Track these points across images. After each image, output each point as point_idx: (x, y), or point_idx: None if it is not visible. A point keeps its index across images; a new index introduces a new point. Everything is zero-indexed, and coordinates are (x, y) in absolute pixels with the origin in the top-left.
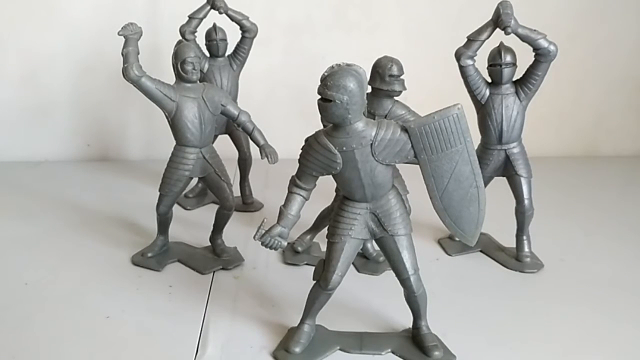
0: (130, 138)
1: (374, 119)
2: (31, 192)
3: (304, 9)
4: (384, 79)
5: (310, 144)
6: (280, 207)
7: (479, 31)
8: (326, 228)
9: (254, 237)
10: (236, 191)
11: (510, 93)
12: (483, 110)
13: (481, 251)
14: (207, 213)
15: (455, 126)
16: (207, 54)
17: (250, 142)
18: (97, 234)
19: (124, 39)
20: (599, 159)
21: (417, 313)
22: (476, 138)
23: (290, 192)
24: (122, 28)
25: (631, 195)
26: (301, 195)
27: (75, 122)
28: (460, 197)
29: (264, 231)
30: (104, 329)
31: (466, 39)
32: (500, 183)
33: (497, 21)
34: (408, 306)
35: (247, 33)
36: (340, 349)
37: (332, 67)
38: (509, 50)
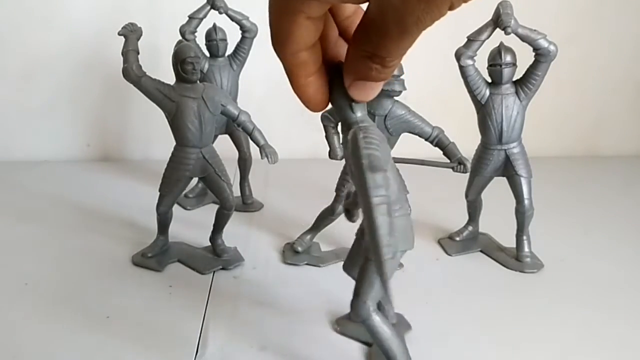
0: (130, 138)
1: (374, 119)
2: (31, 192)
3: None
4: None
5: None
6: None
7: (479, 31)
8: (326, 228)
9: None
10: (236, 191)
11: (510, 93)
12: (483, 110)
13: (481, 251)
14: (207, 213)
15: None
16: (207, 54)
17: (250, 142)
18: (97, 234)
19: (123, 39)
20: (599, 159)
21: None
22: (476, 138)
23: None
24: (122, 28)
25: (631, 195)
26: None
27: (75, 122)
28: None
29: None
30: (104, 329)
31: (466, 39)
32: (501, 183)
33: (497, 21)
34: None
35: (247, 33)
36: None
37: None
38: (509, 50)
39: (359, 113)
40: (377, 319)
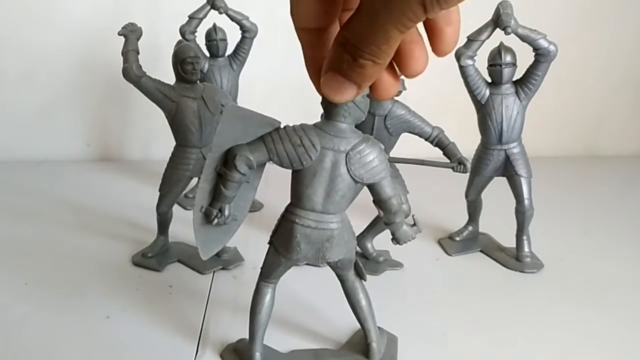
0: (130, 138)
1: (374, 119)
2: (31, 192)
3: None
4: None
5: None
6: None
7: (479, 31)
8: None
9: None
10: None
11: (510, 93)
12: (483, 110)
13: (481, 251)
14: None
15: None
16: (207, 54)
17: None
18: (97, 234)
19: (123, 39)
20: (599, 159)
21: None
22: (476, 138)
23: None
24: (122, 28)
25: (631, 195)
26: None
27: (75, 122)
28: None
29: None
30: (104, 329)
31: (466, 39)
32: (500, 183)
33: (497, 21)
34: None
35: (247, 33)
36: None
37: None
38: (509, 50)
39: (337, 122)
40: (260, 288)
